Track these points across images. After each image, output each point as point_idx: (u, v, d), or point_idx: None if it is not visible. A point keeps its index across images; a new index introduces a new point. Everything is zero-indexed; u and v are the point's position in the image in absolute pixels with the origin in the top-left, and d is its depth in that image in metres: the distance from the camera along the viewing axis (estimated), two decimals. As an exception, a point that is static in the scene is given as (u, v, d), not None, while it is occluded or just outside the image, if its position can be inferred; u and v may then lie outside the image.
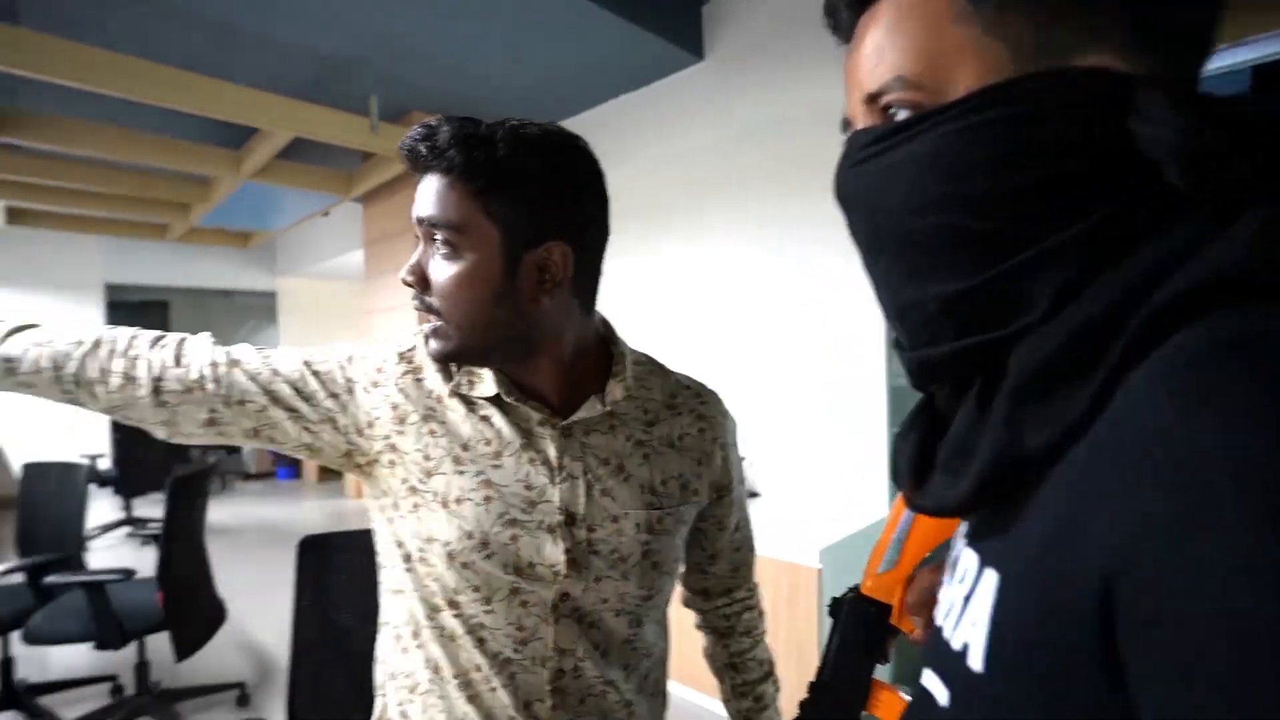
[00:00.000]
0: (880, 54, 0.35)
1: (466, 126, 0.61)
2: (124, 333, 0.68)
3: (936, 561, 0.54)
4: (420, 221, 0.63)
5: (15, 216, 5.13)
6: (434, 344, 0.64)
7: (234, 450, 7.04)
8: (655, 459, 0.72)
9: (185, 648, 2.05)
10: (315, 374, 0.69)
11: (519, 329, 0.64)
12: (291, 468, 7.09)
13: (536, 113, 3.55)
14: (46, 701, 2.35)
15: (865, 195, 0.37)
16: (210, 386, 0.66)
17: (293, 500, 6.20)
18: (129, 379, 0.65)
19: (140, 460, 4.87)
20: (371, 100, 3.01)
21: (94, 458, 4.98)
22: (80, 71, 2.35)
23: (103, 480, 4.96)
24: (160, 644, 2.10)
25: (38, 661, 2.66)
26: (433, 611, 0.68)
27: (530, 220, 0.61)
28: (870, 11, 0.36)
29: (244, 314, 8.42)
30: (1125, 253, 0.29)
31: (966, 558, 0.37)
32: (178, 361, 0.66)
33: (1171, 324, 0.26)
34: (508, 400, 0.67)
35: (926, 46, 0.34)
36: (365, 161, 3.74)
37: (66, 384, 0.64)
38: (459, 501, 0.66)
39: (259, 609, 3.23)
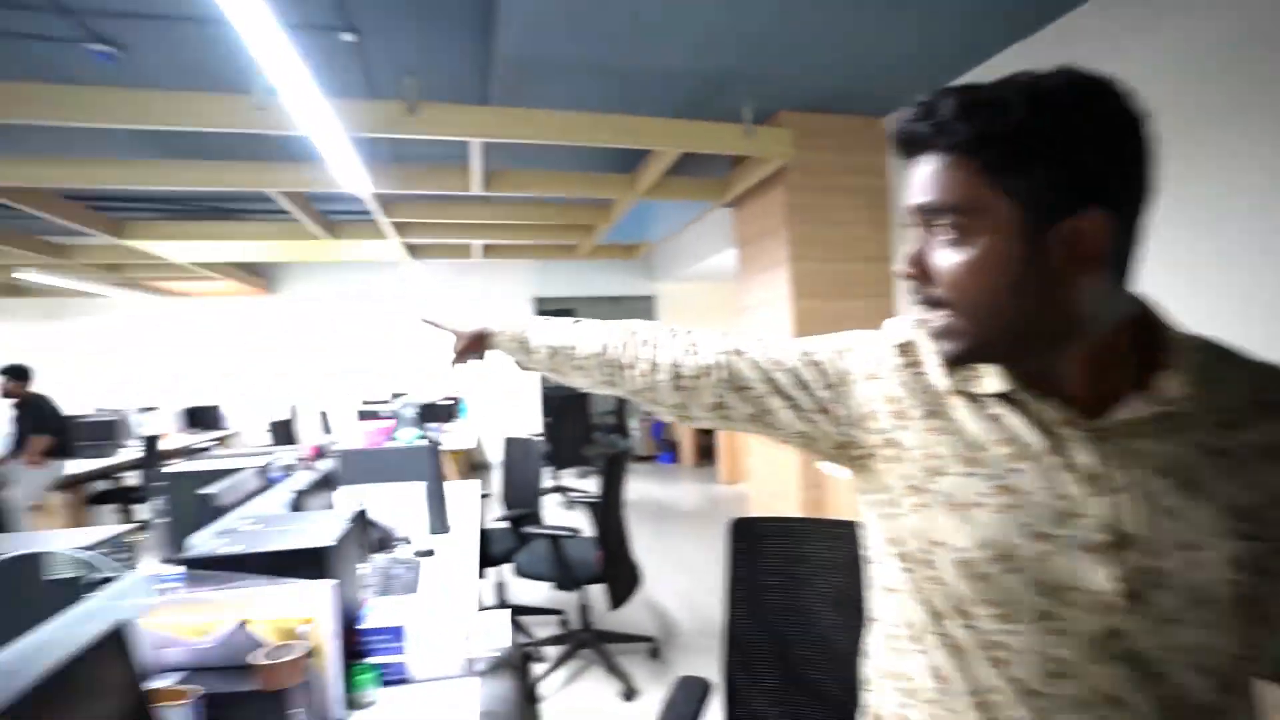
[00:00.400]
0: None
1: (970, 93, 0.56)
2: (648, 326, 0.79)
3: None
4: (921, 210, 0.59)
5: (488, 251, 6.94)
6: (946, 345, 0.60)
7: (625, 434, 8.29)
8: (1244, 474, 0.56)
9: (617, 599, 2.53)
10: (813, 364, 0.71)
11: (1047, 320, 0.57)
12: (671, 453, 8.03)
13: (910, 83, 3.41)
14: (520, 620, 3.18)
15: None
16: (717, 374, 0.72)
17: (673, 481, 6.92)
18: (654, 366, 0.75)
19: (563, 439, 6.15)
20: (744, 107, 3.28)
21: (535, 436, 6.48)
22: (536, 131, 3.08)
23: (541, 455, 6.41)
24: (596, 592, 2.63)
25: (515, 589, 3.55)
26: (936, 618, 0.64)
27: (1056, 189, 0.53)
28: None
29: (629, 315, 9.80)
30: None
31: None
32: (692, 351, 0.74)
33: None
34: (1020, 397, 0.61)
35: None
36: (735, 167, 4.08)
37: (608, 368, 0.77)
38: (973, 506, 0.60)
39: (657, 576, 3.73)
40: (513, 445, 3.47)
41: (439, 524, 2.21)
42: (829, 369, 0.71)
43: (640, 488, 6.49)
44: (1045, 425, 0.60)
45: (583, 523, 3.68)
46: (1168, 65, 2.28)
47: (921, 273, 0.60)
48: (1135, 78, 0.59)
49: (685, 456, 7.77)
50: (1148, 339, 0.61)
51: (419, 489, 2.14)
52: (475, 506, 2.61)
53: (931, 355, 0.67)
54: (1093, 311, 0.57)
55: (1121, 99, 0.55)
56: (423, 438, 3.39)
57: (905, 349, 0.69)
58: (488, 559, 2.90)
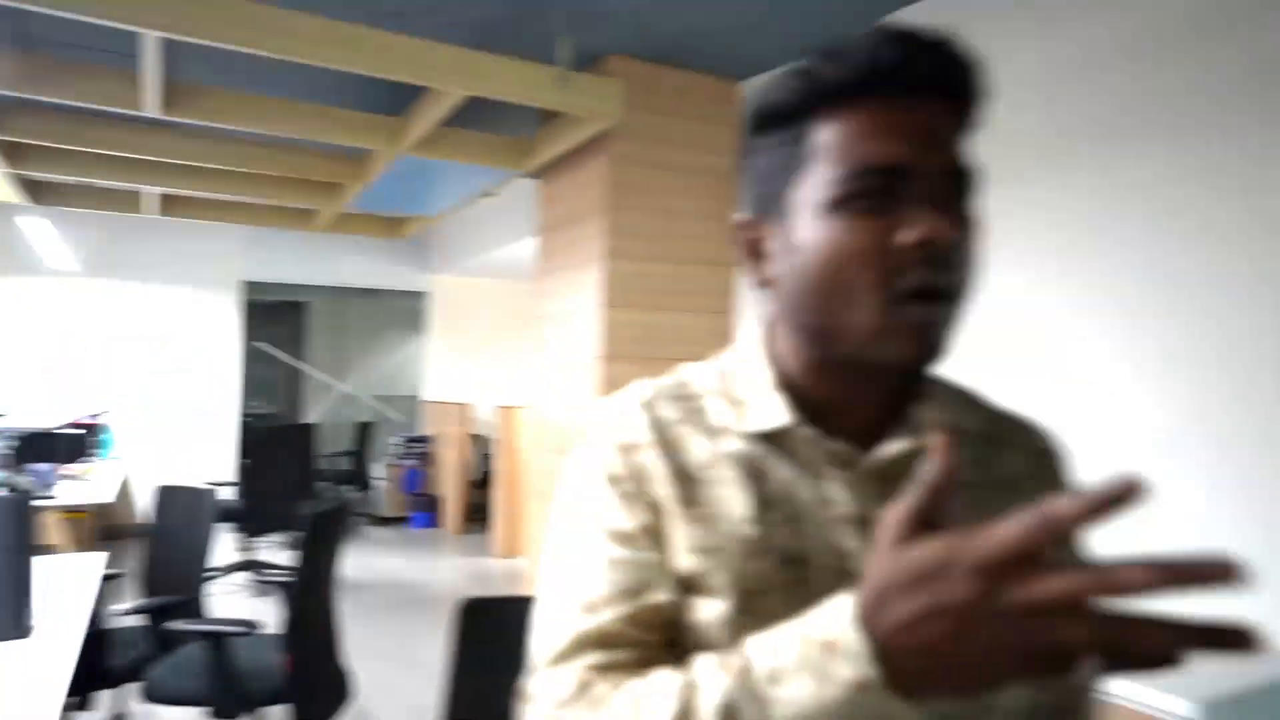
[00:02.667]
0: None
1: (944, 38, 0.65)
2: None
3: None
4: (957, 173, 0.65)
5: (169, 204, 6.17)
6: (937, 339, 0.65)
7: (365, 485, 7.82)
8: (984, 505, 0.63)
9: (308, 727, 2.25)
10: (630, 537, 0.70)
11: None
12: (429, 514, 7.70)
13: (777, 43, 3.47)
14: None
15: None
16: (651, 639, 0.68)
17: (429, 553, 6.74)
18: None
19: (266, 492, 5.56)
20: (561, 43, 3.17)
21: (217, 485, 5.80)
22: (236, 31, 2.73)
23: (226, 514, 5.73)
24: (278, 717, 2.34)
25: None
26: None
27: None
28: None
29: (388, 318, 9.38)
30: None
31: None
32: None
33: None
34: (803, 433, 0.69)
35: None
36: (545, 125, 3.96)
37: None
38: (758, 595, 0.66)
39: (385, 686, 3.50)
40: (170, 499, 3.13)
41: (12, 624, 1.93)
42: (631, 509, 0.71)
43: (378, 563, 6.25)
44: (813, 468, 0.70)
45: (275, 614, 3.34)
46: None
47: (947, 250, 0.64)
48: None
49: (449, 519, 7.59)
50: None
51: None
52: (90, 594, 2.29)
53: (676, 423, 0.73)
54: None
55: None
56: (9, 486, 2.86)
57: (651, 428, 0.72)
58: (105, 675, 2.58)
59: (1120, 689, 1.77)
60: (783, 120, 0.68)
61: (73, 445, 4.94)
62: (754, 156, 0.72)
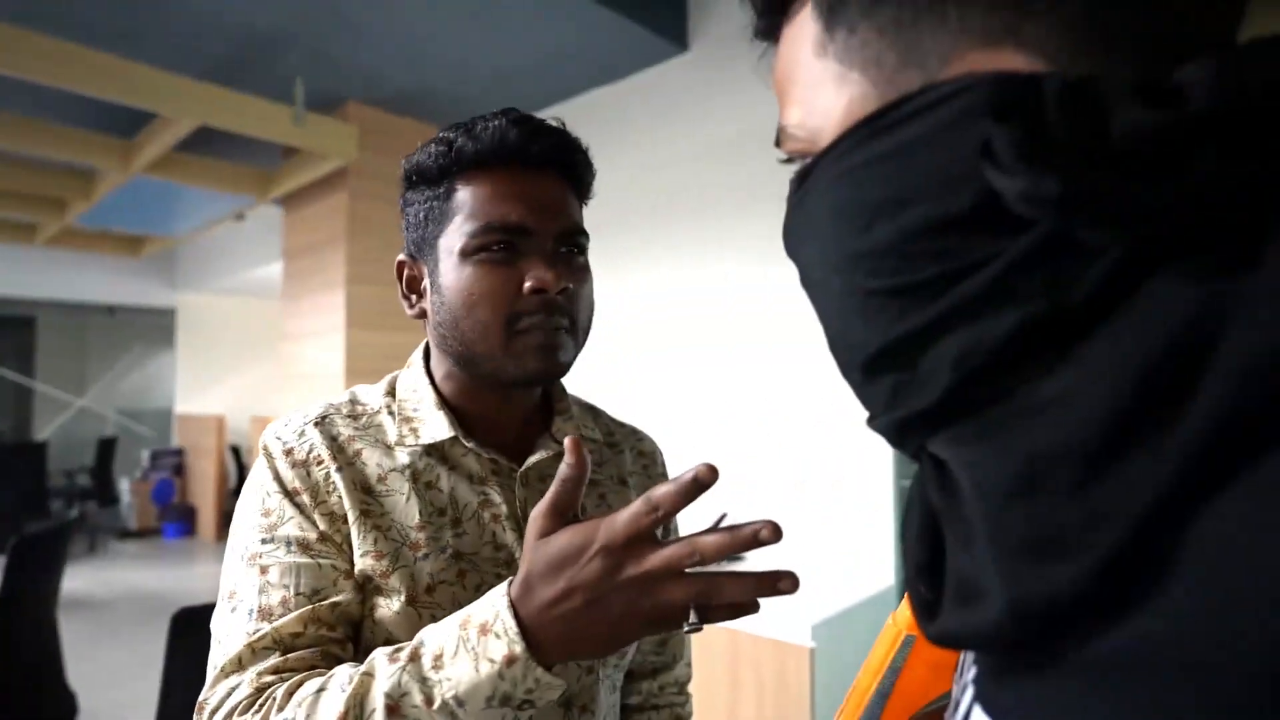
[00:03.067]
0: (779, 95, 0.36)
1: (560, 129, 0.74)
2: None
3: (921, 717, 0.51)
4: (567, 233, 0.71)
5: None
6: (565, 355, 0.70)
7: (110, 500, 6.89)
8: (613, 498, 0.80)
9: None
10: (309, 543, 0.67)
11: None
12: (181, 523, 6.94)
13: (498, 105, 3.57)
14: None
15: (794, 249, 0.38)
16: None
17: (182, 564, 6.07)
18: None
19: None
20: (297, 84, 3.06)
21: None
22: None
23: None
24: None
25: None
26: None
27: None
28: (780, 41, 0.37)
29: (132, 334, 8.32)
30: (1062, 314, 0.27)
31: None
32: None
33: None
34: (466, 445, 0.71)
35: (797, 90, 0.34)
36: (287, 159, 3.77)
37: None
38: (430, 590, 0.67)
39: (122, 702, 3.16)
40: None
41: None
42: (303, 519, 0.68)
43: (123, 577, 5.59)
44: (477, 476, 0.73)
45: None
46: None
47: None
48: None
49: (205, 528, 6.84)
50: (549, 392, 0.81)
51: None
52: None
53: (349, 439, 0.72)
54: None
55: None
56: None
57: (324, 445, 0.71)
58: None
59: (748, 624, 2.00)
60: (430, 180, 0.71)
61: None
62: (409, 207, 0.74)
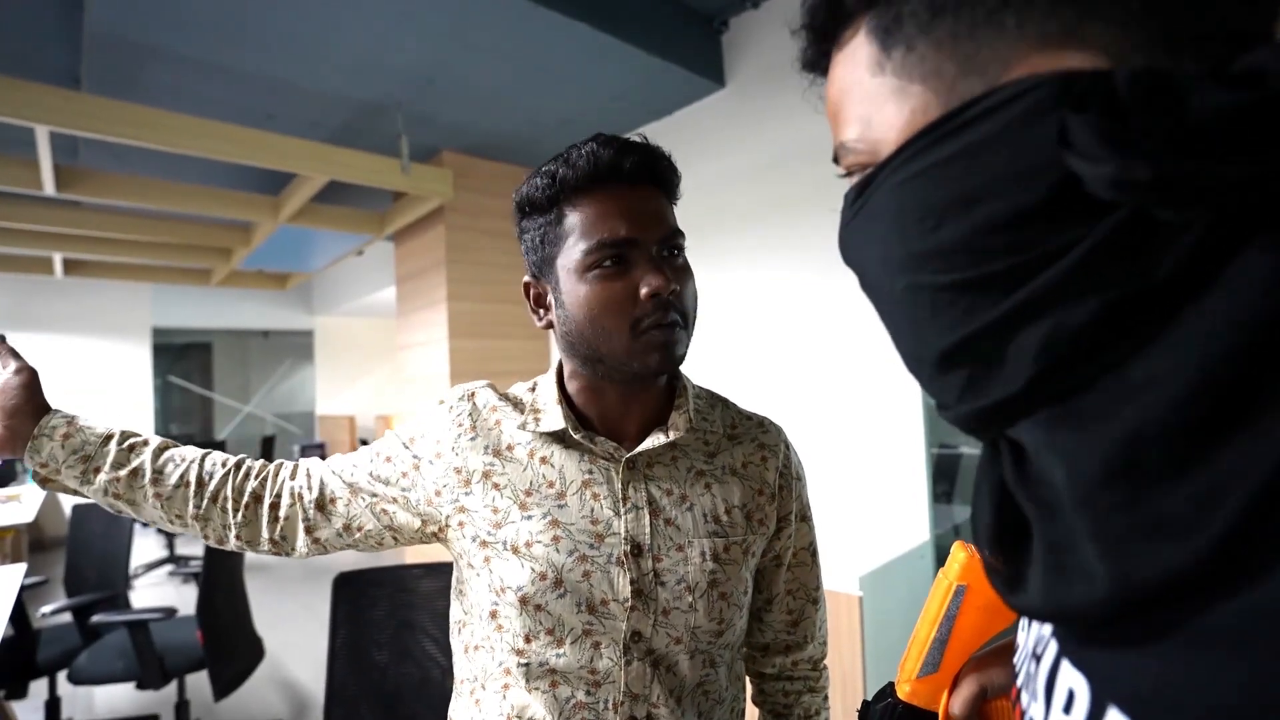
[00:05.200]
0: (834, 117, 0.34)
1: (648, 144, 0.69)
2: (236, 462, 0.75)
3: (981, 657, 0.49)
4: (667, 238, 0.67)
5: (71, 268, 5.40)
6: (679, 349, 0.67)
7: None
8: (717, 487, 0.73)
9: (223, 687, 2.08)
10: (387, 459, 0.74)
11: None
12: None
13: (565, 143, 3.60)
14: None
15: (856, 256, 0.35)
16: (307, 495, 0.73)
17: None
18: (255, 499, 0.73)
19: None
20: (402, 141, 3.11)
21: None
22: (135, 130, 2.48)
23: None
24: (201, 682, 2.14)
25: (83, 701, 2.71)
26: (507, 660, 0.68)
27: None
28: (831, 68, 0.34)
29: (282, 352, 8.67)
30: (1142, 297, 0.24)
31: (1068, 677, 0.29)
32: (278, 478, 0.74)
33: None
34: (574, 436, 0.69)
35: (856, 107, 0.32)
36: (396, 201, 3.85)
37: (203, 502, 0.71)
38: (529, 545, 0.67)
39: (296, 646, 3.28)
40: (86, 516, 2.71)
41: None
42: (402, 459, 0.74)
43: None
44: (589, 461, 0.70)
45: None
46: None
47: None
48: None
49: None
50: (670, 384, 0.75)
51: (-111, 590, 1.47)
52: (8, 600, 1.94)
53: (493, 409, 0.74)
54: None
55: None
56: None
57: (458, 418, 0.74)
58: (34, 668, 2.23)
59: None
60: (541, 208, 0.68)
61: (2, 474, 4.23)
62: (525, 234, 0.71)
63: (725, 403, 0.81)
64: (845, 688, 1.79)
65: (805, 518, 0.80)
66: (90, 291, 6.16)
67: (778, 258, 2.66)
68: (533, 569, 0.66)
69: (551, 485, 0.69)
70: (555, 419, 0.70)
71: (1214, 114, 0.22)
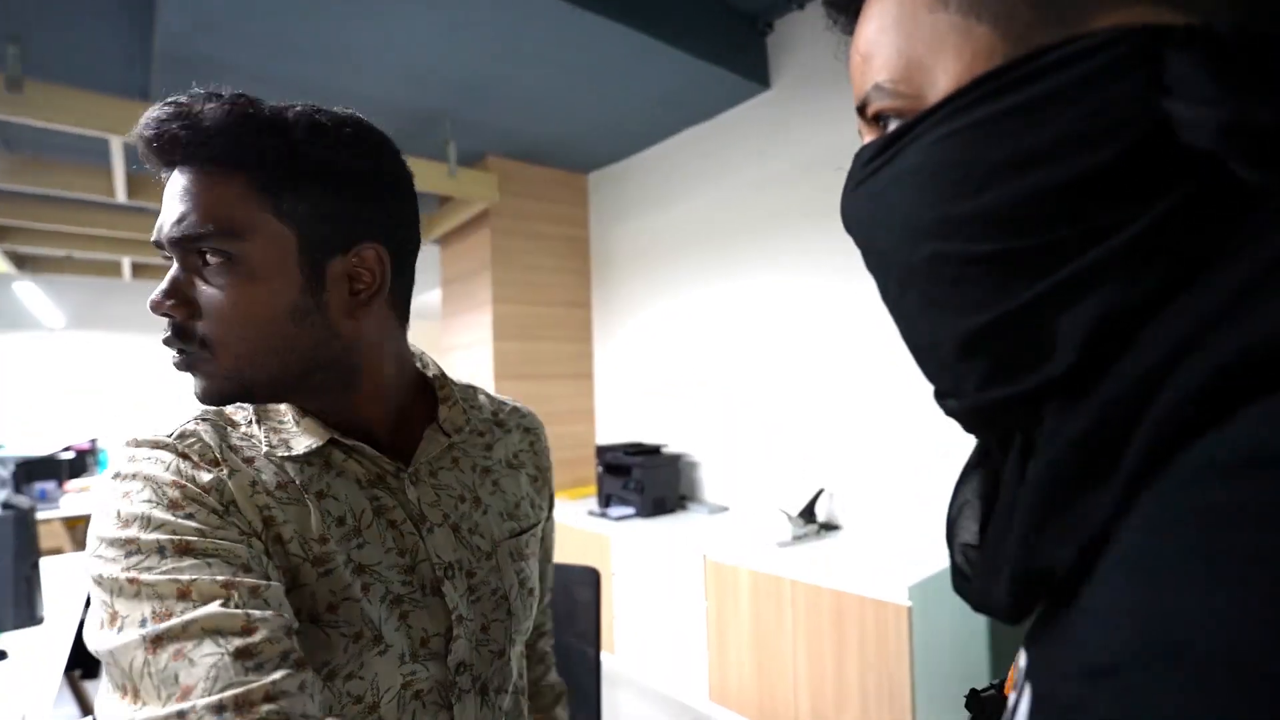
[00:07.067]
0: (867, 58, 0.30)
1: (243, 105, 0.50)
2: None
3: None
4: (177, 241, 0.49)
5: (138, 270, 5.69)
6: (202, 382, 0.51)
7: None
8: (504, 481, 0.68)
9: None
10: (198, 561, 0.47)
11: (332, 352, 0.53)
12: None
13: (610, 147, 3.74)
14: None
15: (866, 222, 0.32)
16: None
17: None
18: None
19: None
20: (449, 146, 3.19)
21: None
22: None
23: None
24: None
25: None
26: None
27: (336, 219, 0.52)
28: (865, 8, 0.31)
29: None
30: (1189, 281, 0.22)
31: (1021, 659, 0.30)
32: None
33: (1204, 419, 0.19)
34: (342, 448, 0.56)
35: (903, 44, 0.28)
36: (442, 205, 3.94)
37: None
38: (333, 608, 0.52)
39: None
40: None
41: (24, 615, 1.75)
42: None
43: None
44: (368, 481, 0.57)
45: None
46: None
47: (183, 303, 0.50)
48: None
49: None
50: (424, 381, 0.66)
51: (-19, 574, 1.58)
52: (83, 587, 2.02)
53: (240, 440, 0.54)
54: (377, 346, 0.57)
55: (394, 150, 0.59)
56: (5, 505, 2.55)
57: (202, 466, 0.51)
58: None
59: (851, 585, 1.88)
60: None
61: (74, 466, 4.47)
62: None
63: (478, 389, 0.74)
64: (893, 699, 1.77)
65: (554, 502, 0.80)
66: (148, 293, 6.48)
67: (817, 262, 2.63)
68: (341, 634, 0.51)
69: (341, 525, 0.54)
70: (308, 433, 0.55)
71: None
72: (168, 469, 0.49)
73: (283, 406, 0.57)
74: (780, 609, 2.09)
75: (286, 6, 2.17)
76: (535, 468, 0.73)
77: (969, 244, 0.26)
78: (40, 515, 3.21)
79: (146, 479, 0.48)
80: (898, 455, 2.34)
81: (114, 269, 5.58)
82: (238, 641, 0.41)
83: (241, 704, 0.38)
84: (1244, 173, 0.21)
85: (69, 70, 2.60)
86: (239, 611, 0.42)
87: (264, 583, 0.46)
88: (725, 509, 2.92)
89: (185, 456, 0.50)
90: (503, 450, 0.70)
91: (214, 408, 0.56)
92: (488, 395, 0.75)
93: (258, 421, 0.56)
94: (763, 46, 2.84)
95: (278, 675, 0.41)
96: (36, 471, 3.80)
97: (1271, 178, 0.21)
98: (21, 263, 5.04)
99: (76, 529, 3.64)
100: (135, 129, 0.47)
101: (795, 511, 2.40)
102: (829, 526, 2.44)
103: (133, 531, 0.45)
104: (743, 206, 2.96)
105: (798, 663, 2.04)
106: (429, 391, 0.66)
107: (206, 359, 0.50)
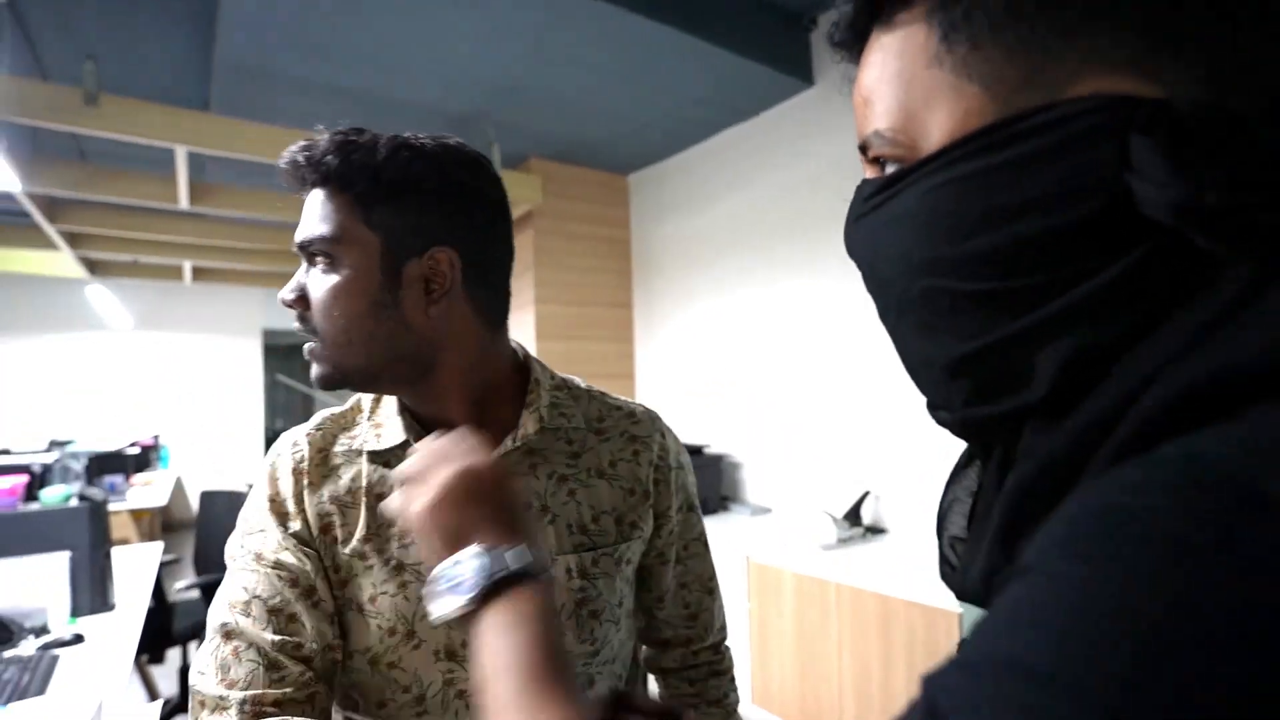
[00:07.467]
0: (868, 102, 0.33)
1: (346, 134, 0.58)
2: None
3: None
4: (298, 245, 0.59)
5: (199, 274, 5.95)
6: (315, 368, 0.59)
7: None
8: (583, 493, 0.65)
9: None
10: (279, 566, 0.59)
11: (406, 345, 0.58)
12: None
13: (651, 148, 3.74)
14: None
15: (867, 252, 0.35)
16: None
17: None
18: None
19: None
20: (493, 148, 3.24)
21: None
22: (257, 147, 2.72)
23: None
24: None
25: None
26: None
27: (413, 226, 0.57)
28: (867, 53, 0.34)
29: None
30: (1155, 325, 0.25)
31: None
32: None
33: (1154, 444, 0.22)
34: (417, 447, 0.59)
35: (901, 96, 0.31)
36: (487, 207, 4.01)
37: None
38: (373, 600, 0.59)
39: None
40: (211, 500, 2.97)
41: (98, 601, 1.83)
42: (290, 564, 0.59)
43: None
44: None
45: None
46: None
47: (300, 299, 0.60)
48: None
49: None
50: (524, 382, 0.67)
51: (60, 561, 1.67)
52: (150, 576, 2.16)
53: (338, 447, 0.65)
54: (452, 341, 0.60)
55: (480, 165, 0.63)
56: (81, 497, 2.71)
57: (298, 469, 0.63)
58: (171, 637, 2.46)
59: (900, 590, 1.86)
60: None
61: (139, 461, 4.69)
62: None
63: (591, 394, 0.72)
64: (940, 706, 1.73)
65: (692, 508, 0.75)
66: (212, 296, 6.77)
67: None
68: (380, 626, 0.59)
69: (392, 524, 0.60)
70: (395, 428, 0.63)
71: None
72: (271, 478, 0.63)
73: (390, 403, 0.65)
74: (825, 612, 2.07)
75: (337, 12, 2.23)
76: (634, 479, 0.68)
77: (959, 282, 0.29)
78: (109, 508, 3.38)
79: (258, 489, 0.63)
80: (947, 458, 2.28)
81: (175, 273, 5.84)
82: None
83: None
84: (1199, 241, 0.24)
85: (138, 84, 2.73)
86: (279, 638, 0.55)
87: (305, 605, 0.57)
88: (768, 510, 2.91)
89: (282, 468, 0.63)
90: (593, 459, 0.67)
91: (338, 408, 0.68)
92: (601, 401, 0.72)
93: (369, 416, 0.66)
94: (806, 42, 2.81)
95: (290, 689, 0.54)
96: (106, 466, 4.00)
97: (1221, 245, 0.24)
98: (93, 268, 5.31)
99: (142, 521, 3.83)
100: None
101: (840, 514, 2.37)
102: (875, 530, 2.40)
103: (237, 535, 0.62)
104: (784, 206, 2.93)
105: (843, 667, 2.01)
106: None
107: (317, 348, 0.59)
